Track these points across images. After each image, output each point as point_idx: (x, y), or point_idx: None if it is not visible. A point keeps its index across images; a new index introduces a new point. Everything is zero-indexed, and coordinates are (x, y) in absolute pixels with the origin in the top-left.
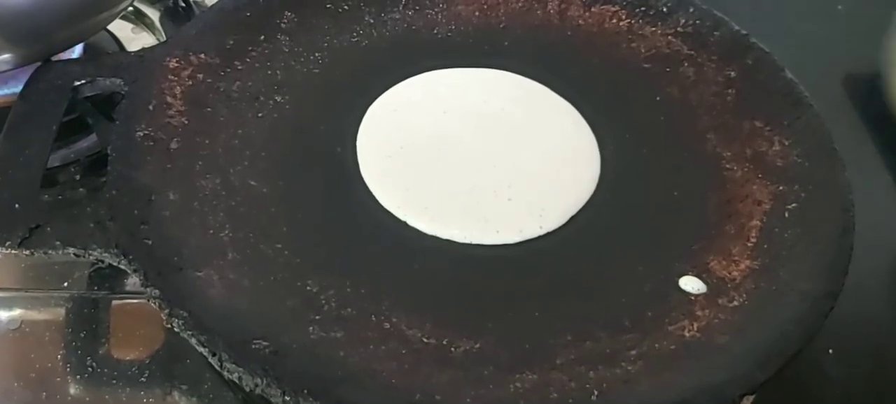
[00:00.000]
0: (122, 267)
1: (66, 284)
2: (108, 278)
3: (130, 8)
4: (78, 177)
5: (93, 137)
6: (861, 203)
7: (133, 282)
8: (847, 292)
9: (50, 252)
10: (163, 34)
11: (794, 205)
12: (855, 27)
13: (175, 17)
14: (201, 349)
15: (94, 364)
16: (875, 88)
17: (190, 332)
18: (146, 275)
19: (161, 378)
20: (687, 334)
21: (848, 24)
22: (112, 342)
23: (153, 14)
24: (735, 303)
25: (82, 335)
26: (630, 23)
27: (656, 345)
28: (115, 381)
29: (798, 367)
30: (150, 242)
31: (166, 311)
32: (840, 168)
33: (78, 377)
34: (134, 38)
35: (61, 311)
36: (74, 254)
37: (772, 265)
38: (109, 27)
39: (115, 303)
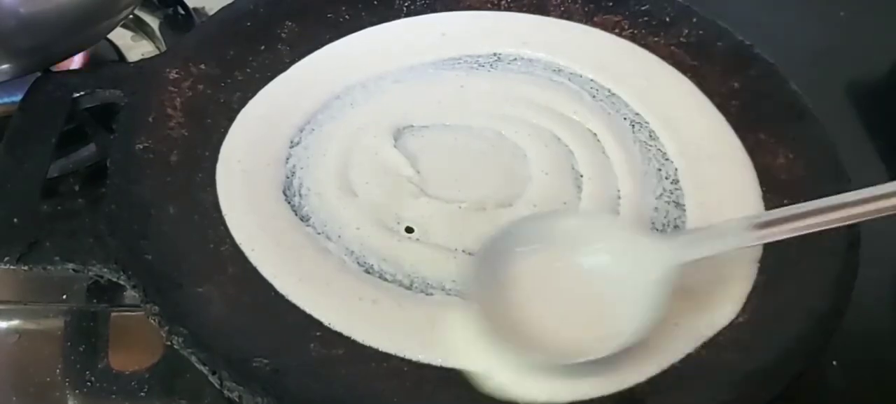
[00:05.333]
0: (122, 282)
1: (64, 297)
2: (106, 291)
3: (130, 16)
4: (77, 187)
5: (92, 147)
6: None
7: (132, 294)
8: (851, 303)
9: (49, 267)
10: (162, 42)
11: None
12: (858, 33)
13: (175, 25)
14: (201, 367)
15: (93, 377)
16: (878, 95)
17: (190, 350)
18: (145, 291)
19: (160, 392)
20: (692, 351)
21: (851, 31)
22: (111, 355)
23: (153, 22)
24: (740, 319)
25: (81, 348)
26: (633, 33)
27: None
28: (114, 395)
29: (801, 379)
30: (149, 257)
31: (166, 329)
32: (845, 182)
33: (77, 391)
34: (134, 46)
35: (60, 324)
36: (73, 269)
37: (777, 281)
38: (109, 35)
39: (113, 315)
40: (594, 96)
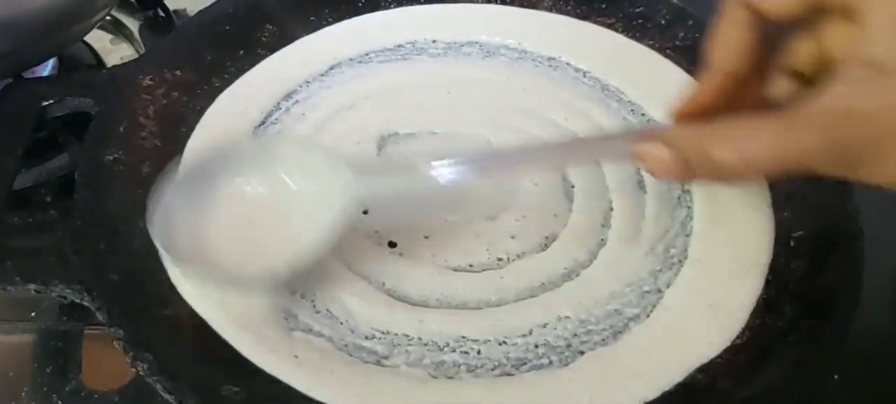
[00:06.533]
0: (86, 304)
1: (33, 315)
2: (79, 308)
3: (108, 18)
4: (49, 198)
5: (65, 157)
6: (865, 222)
7: None
8: None
9: (9, 288)
10: (142, 46)
11: (799, 232)
12: None
13: (155, 27)
14: (167, 396)
15: (60, 401)
16: None
17: (155, 378)
18: (110, 313)
19: None
20: (687, 377)
21: None
22: (80, 376)
23: (133, 24)
24: (738, 341)
25: (49, 369)
26: (626, 36)
27: None
28: None
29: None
30: (115, 277)
31: (130, 354)
32: (848, 193)
33: None
34: (112, 50)
35: (27, 344)
36: (35, 290)
37: (777, 299)
38: (87, 38)
39: (90, 331)
40: (589, 98)
